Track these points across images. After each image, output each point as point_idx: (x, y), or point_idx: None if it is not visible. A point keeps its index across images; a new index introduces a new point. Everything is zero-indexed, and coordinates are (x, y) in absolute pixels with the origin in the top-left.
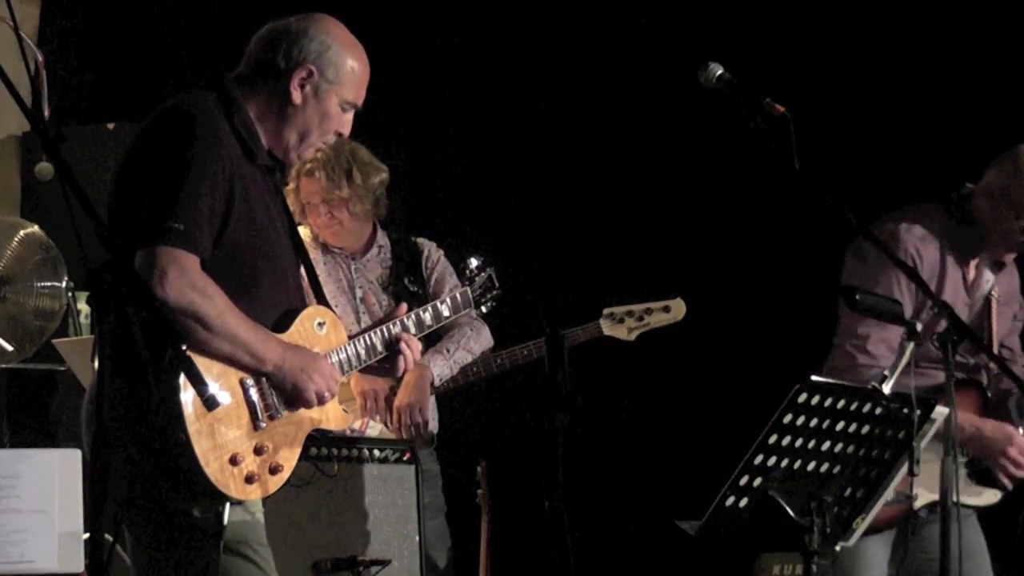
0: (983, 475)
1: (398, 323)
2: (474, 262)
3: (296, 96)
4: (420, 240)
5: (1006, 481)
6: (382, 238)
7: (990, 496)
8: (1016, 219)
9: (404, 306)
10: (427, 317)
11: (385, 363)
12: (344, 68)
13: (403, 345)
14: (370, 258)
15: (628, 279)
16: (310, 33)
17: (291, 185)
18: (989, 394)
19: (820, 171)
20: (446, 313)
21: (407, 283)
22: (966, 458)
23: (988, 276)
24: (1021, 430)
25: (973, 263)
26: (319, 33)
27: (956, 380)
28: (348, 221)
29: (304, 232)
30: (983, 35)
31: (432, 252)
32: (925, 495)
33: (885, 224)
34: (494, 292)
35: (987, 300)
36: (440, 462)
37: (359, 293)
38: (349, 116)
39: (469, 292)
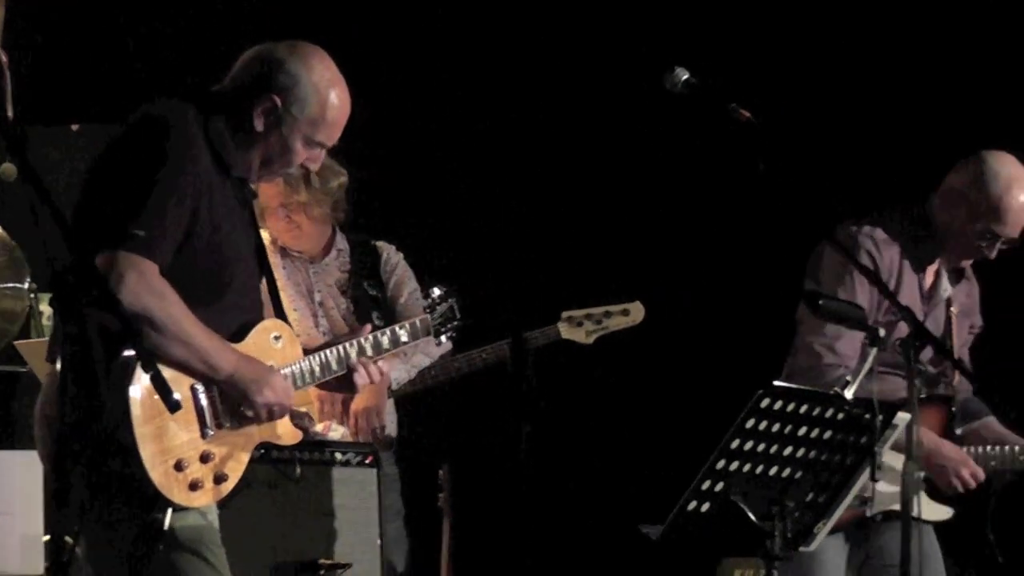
0: (937, 491)
1: (355, 344)
2: (437, 291)
3: (258, 123)
4: (379, 243)
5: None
6: (341, 241)
7: (943, 512)
8: (973, 223)
9: (368, 327)
10: (385, 340)
11: (342, 381)
12: (311, 106)
13: (359, 367)
14: (329, 262)
15: (588, 282)
16: (285, 65)
17: None
18: (954, 409)
19: (785, 176)
20: (404, 339)
21: (366, 287)
22: (923, 473)
23: (946, 285)
24: (959, 430)
25: (932, 270)
26: (294, 66)
27: (923, 397)
28: (307, 225)
29: (263, 236)
30: (953, 44)
31: (391, 255)
32: (880, 502)
33: (845, 227)
34: (455, 322)
35: (948, 313)
36: (400, 466)
37: (318, 297)
38: (317, 152)
39: (429, 320)
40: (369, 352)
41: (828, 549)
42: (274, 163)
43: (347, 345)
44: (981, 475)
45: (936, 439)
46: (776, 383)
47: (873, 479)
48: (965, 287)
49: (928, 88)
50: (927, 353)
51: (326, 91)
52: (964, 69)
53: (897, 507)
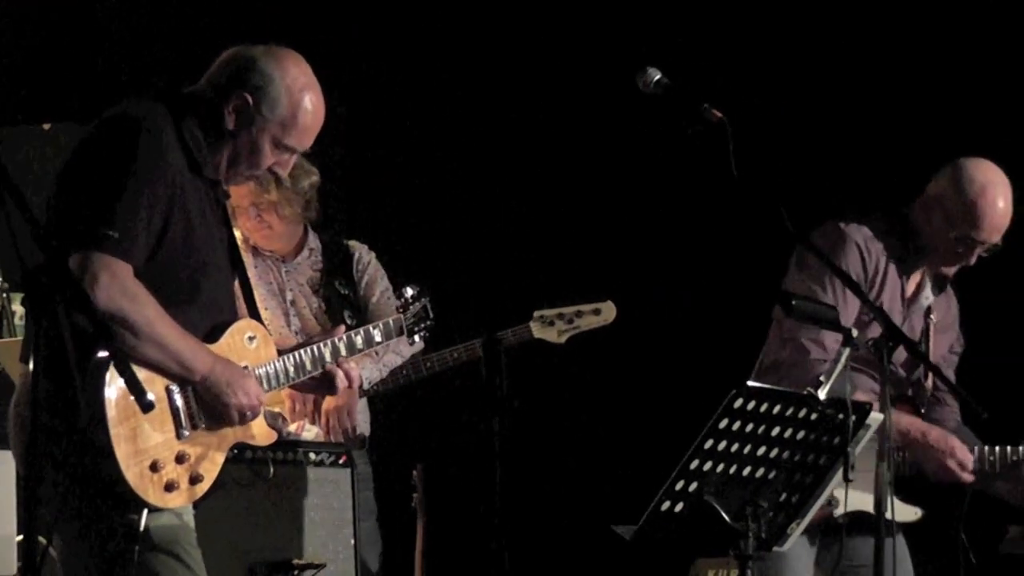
0: (906, 492)
1: (329, 344)
2: (410, 291)
3: (229, 121)
4: (352, 243)
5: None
6: (313, 240)
7: (911, 513)
8: (950, 229)
9: (342, 328)
10: (359, 340)
11: (319, 383)
12: (282, 108)
13: (338, 370)
14: (301, 261)
15: (561, 281)
16: (259, 64)
17: None
18: (923, 410)
19: (759, 176)
20: (378, 339)
21: (338, 286)
22: (891, 473)
23: (928, 294)
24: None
25: (915, 278)
26: (269, 67)
27: (891, 396)
28: (277, 224)
29: (235, 235)
30: (934, 45)
31: (363, 255)
32: (849, 503)
33: (833, 224)
34: (427, 322)
35: (927, 321)
36: (374, 465)
37: (289, 296)
38: (287, 158)
39: (403, 320)
40: (343, 352)
41: (795, 548)
42: (241, 163)
43: (321, 346)
44: (969, 462)
45: (923, 426)
46: (750, 383)
47: (847, 479)
48: (945, 301)
49: (906, 86)
50: (902, 358)
51: (299, 94)
52: (945, 69)
53: (865, 508)
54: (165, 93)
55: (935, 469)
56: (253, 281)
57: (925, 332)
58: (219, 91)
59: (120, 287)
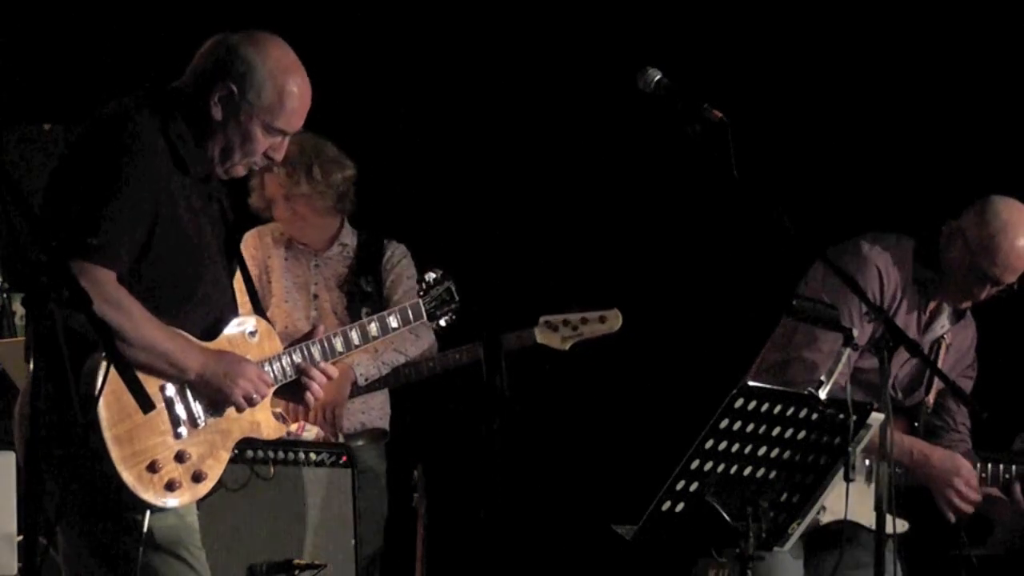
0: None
1: (341, 334)
2: (432, 275)
3: (216, 112)
4: (388, 241)
5: (949, 515)
6: (347, 236)
7: (898, 526)
8: (967, 260)
9: (321, 329)
10: (373, 328)
11: (294, 392)
12: (267, 92)
13: (308, 381)
14: (332, 255)
15: (560, 281)
16: (240, 52)
17: (255, 180)
18: (917, 424)
19: (759, 176)
20: (394, 324)
21: (363, 283)
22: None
23: (944, 322)
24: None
25: (932, 305)
26: (250, 53)
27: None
28: (310, 216)
29: (273, 227)
30: (928, 45)
31: (395, 254)
32: (832, 513)
33: (856, 243)
34: (452, 305)
35: (937, 343)
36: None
37: (313, 290)
38: (279, 140)
39: (422, 304)
40: (356, 341)
41: (784, 556)
42: (235, 153)
43: (332, 336)
44: (975, 483)
45: (926, 447)
46: (751, 383)
47: (847, 479)
48: (962, 328)
49: (904, 84)
50: (902, 377)
51: (283, 77)
52: (941, 66)
53: (853, 519)
54: (150, 91)
55: (939, 489)
56: (279, 273)
57: (936, 354)
58: (203, 82)
59: (102, 294)
